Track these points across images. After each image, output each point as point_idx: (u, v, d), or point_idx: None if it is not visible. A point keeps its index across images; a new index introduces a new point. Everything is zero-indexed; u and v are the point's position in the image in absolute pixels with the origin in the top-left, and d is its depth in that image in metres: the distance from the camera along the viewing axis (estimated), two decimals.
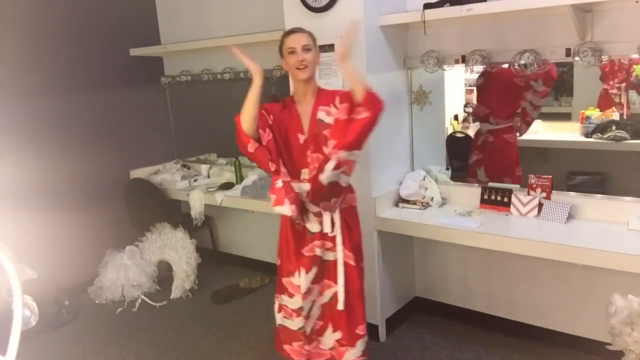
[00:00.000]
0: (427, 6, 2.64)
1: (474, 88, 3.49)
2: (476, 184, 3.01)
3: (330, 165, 2.02)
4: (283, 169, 2.16)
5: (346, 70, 2.05)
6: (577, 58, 2.42)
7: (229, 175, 4.00)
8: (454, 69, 2.93)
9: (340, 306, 2.22)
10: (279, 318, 2.37)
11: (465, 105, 3.66)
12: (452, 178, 3.15)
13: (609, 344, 2.23)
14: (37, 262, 3.36)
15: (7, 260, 1.48)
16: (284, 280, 2.31)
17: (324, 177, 2.04)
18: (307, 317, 2.28)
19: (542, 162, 3.28)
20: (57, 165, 3.76)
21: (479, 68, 2.77)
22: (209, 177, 4.22)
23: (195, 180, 4.11)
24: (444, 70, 2.91)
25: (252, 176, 3.67)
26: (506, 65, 2.70)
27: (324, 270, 2.26)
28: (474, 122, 3.61)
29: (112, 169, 4.14)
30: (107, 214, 4.08)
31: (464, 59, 2.76)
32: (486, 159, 3.31)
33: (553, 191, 2.66)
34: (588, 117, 3.14)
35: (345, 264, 2.23)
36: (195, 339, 3.25)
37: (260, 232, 4.10)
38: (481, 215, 2.74)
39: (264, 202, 3.37)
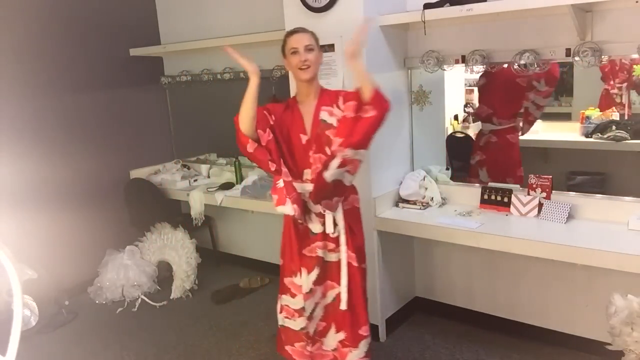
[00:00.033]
0: (427, 6, 2.64)
1: (474, 88, 3.49)
2: (476, 184, 3.00)
3: (335, 162, 2.01)
4: (284, 169, 2.16)
5: (355, 68, 2.03)
6: (577, 58, 2.42)
7: (229, 175, 4.00)
8: (454, 69, 2.93)
9: (343, 306, 2.21)
10: (281, 319, 2.36)
11: (466, 105, 3.66)
12: (452, 178, 3.15)
13: (609, 344, 2.23)
14: (37, 262, 3.37)
15: (7, 260, 1.47)
16: (286, 280, 2.31)
17: (329, 174, 2.03)
18: (310, 318, 2.27)
19: (542, 162, 3.28)
20: (57, 165, 3.76)
21: (480, 68, 2.77)
22: (209, 177, 4.22)
23: (195, 180, 4.11)
24: (444, 70, 2.91)
25: (252, 176, 3.67)
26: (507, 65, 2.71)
27: (327, 272, 2.25)
28: (474, 122, 3.60)
29: (112, 169, 4.14)
30: (107, 214, 4.09)
31: (464, 59, 2.76)
32: (488, 159, 3.31)
33: (553, 191, 2.66)
34: (588, 117, 3.14)
35: (348, 265, 2.22)
36: (195, 339, 3.25)
37: (260, 232, 4.10)
38: (481, 215, 2.74)
39: (264, 202, 3.37)
